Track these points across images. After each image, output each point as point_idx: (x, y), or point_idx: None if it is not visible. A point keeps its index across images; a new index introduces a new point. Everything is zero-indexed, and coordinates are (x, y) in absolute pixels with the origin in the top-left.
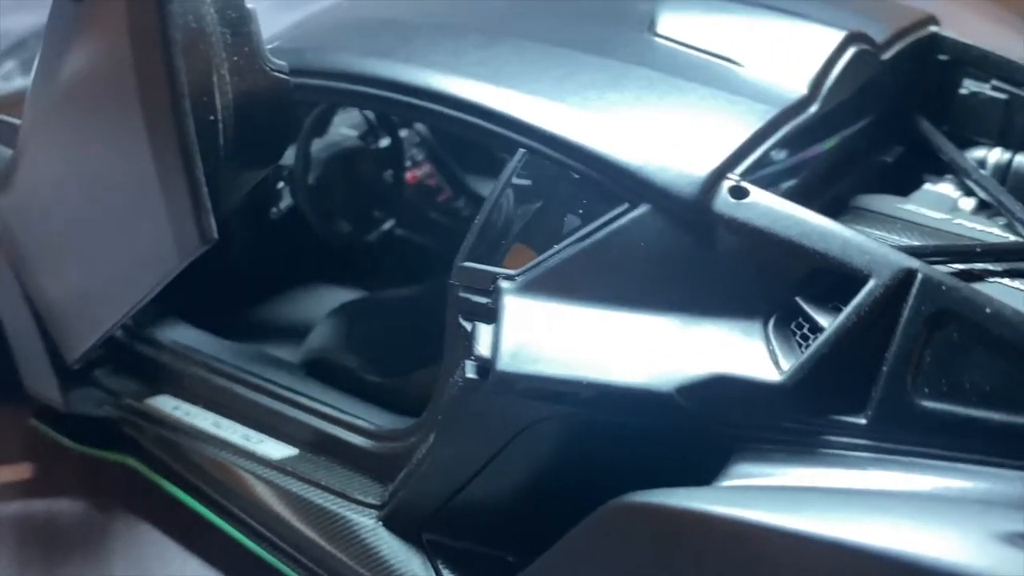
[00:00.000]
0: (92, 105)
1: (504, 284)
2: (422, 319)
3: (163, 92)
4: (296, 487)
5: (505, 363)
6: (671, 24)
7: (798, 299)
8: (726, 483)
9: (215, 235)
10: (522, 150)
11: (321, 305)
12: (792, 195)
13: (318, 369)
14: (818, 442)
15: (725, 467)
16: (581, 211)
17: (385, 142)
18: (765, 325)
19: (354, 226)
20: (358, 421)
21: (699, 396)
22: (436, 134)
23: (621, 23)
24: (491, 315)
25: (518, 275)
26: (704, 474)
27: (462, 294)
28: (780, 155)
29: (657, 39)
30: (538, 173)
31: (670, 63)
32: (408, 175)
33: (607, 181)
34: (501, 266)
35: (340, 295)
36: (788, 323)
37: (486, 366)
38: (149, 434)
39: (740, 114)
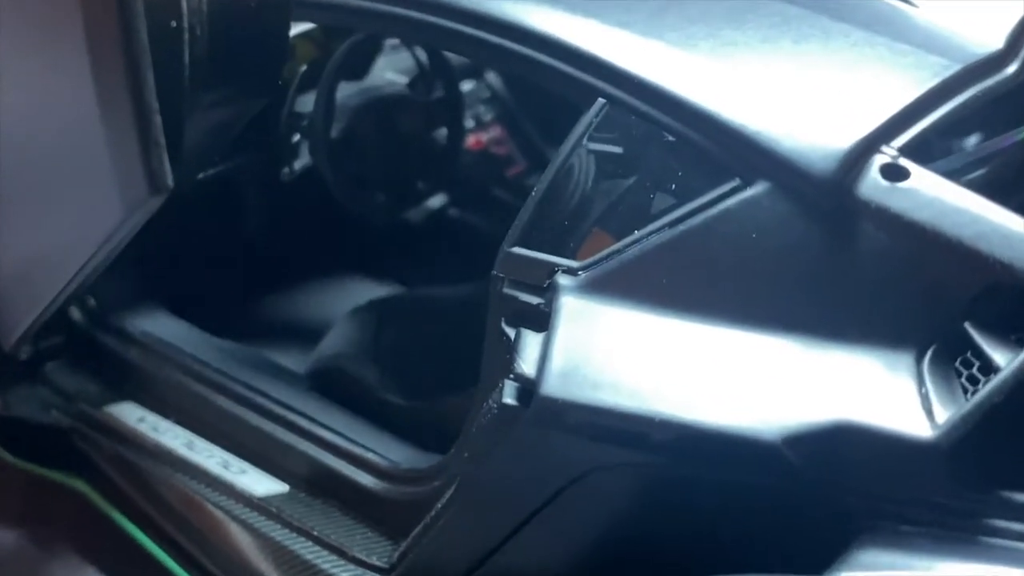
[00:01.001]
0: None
1: (563, 280)
2: (472, 327)
3: None
4: (281, 535)
5: (552, 386)
6: None
7: (967, 325)
8: (846, 574)
9: (169, 183)
10: (601, 100)
11: (343, 300)
12: (976, 188)
13: (327, 382)
14: (980, 527)
15: (846, 551)
16: (675, 187)
17: (439, 92)
18: (919, 358)
19: (390, 199)
20: (368, 454)
21: (815, 451)
22: (512, 89)
23: None
24: (543, 320)
25: (583, 268)
26: (817, 558)
27: (507, 290)
28: (961, 132)
29: None
30: (628, 136)
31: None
32: (471, 139)
33: (713, 147)
34: (566, 255)
35: (369, 289)
36: (951, 358)
37: (529, 389)
38: (105, 451)
39: (906, 68)
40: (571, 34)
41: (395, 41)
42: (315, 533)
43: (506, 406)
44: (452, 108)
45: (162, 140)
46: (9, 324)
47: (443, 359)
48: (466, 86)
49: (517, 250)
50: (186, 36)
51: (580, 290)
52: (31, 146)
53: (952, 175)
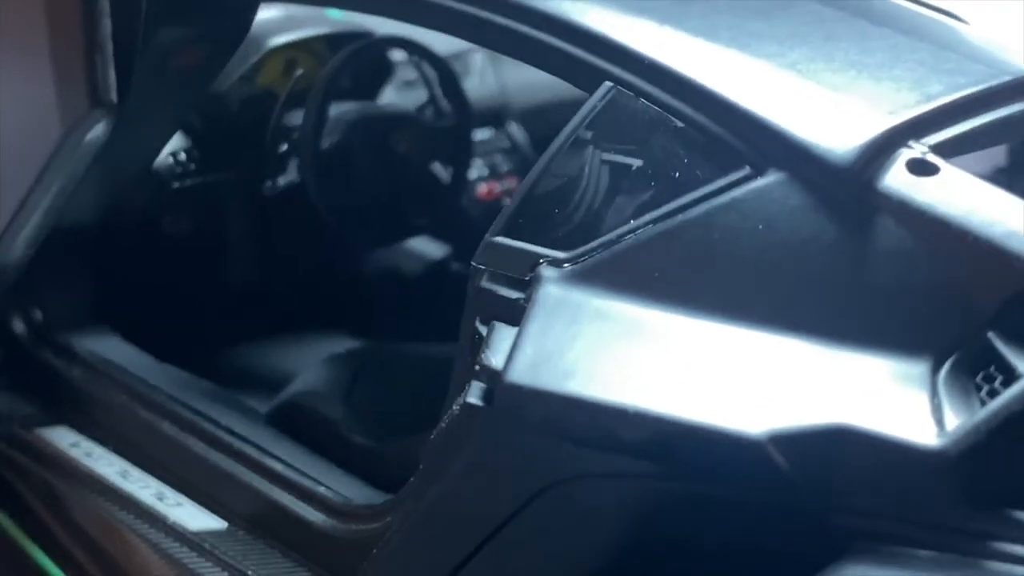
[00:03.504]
0: None
1: (547, 271)
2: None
3: None
4: (211, 574)
5: (519, 373)
6: None
7: (992, 335)
8: None
9: (112, 97)
10: (607, 84)
11: (322, 354)
12: None
13: (286, 417)
14: (988, 551)
15: (833, 567)
16: (677, 174)
17: (448, 120)
18: (935, 368)
19: (380, 225)
20: (319, 488)
21: (804, 453)
22: (534, 140)
23: None
24: (520, 316)
25: (570, 260)
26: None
27: (485, 284)
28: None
29: None
30: (633, 125)
31: (857, 6)
32: (483, 188)
33: (723, 133)
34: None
35: (354, 344)
36: (972, 371)
37: (495, 385)
38: (31, 478)
39: (948, 73)
40: (578, 13)
41: (409, 77)
42: (249, 573)
43: (469, 406)
44: (460, 137)
45: (109, 49)
46: None
47: (421, 412)
48: (484, 134)
49: (500, 240)
50: None
51: (565, 281)
52: None
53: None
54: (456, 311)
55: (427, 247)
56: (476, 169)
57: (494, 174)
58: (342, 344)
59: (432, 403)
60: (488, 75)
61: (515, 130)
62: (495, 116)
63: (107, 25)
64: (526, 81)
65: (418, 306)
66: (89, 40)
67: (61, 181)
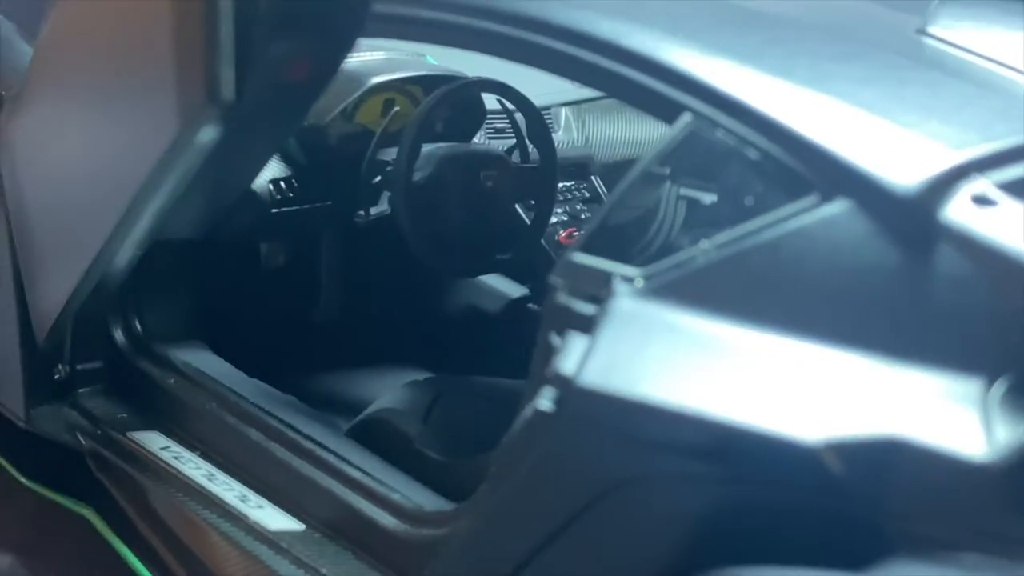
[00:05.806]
0: None
1: (621, 287)
2: None
3: None
4: (288, 571)
5: (589, 376)
6: (948, 25)
7: None
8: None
9: (229, 95)
10: (687, 115)
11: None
12: None
13: (366, 431)
14: None
15: (883, 561)
16: (748, 201)
17: (534, 163)
18: (987, 388)
19: (464, 257)
20: (393, 495)
21: (857, 461)
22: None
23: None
24: (592, 328)
25: (645, 276)
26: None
27: (562, 299)
28: None
29: (925, 39)
30: (720, 177)
31: (930, 58)
32: (563, 233)
33: (792, 162)
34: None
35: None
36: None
37: (566, 389)
38: (121, 477)
39: (1014, 117)
40: (664, 52)
41: (500, 125)
42: (323, 571)
43: (540, 411)
44: (544, 181)
45: (230, 50)
46: (46, 305)
47: (495, 435)
48: (568, 183)
49: (578, 256)
50: None
51: (639, 297)
52: (106, 73)
53: None
54: (533, 349)
55: (507, 286)
56: (558, 215)
57: (575, 221)
58: (418, 375)
59: (506, 429)
60: (573, 130)
61: (597, 182)
62: (579, 168)
63: (229, 28)
64: (609, 138)
65: (495, 343)
66: (210, 39)
67: (171, 182)
